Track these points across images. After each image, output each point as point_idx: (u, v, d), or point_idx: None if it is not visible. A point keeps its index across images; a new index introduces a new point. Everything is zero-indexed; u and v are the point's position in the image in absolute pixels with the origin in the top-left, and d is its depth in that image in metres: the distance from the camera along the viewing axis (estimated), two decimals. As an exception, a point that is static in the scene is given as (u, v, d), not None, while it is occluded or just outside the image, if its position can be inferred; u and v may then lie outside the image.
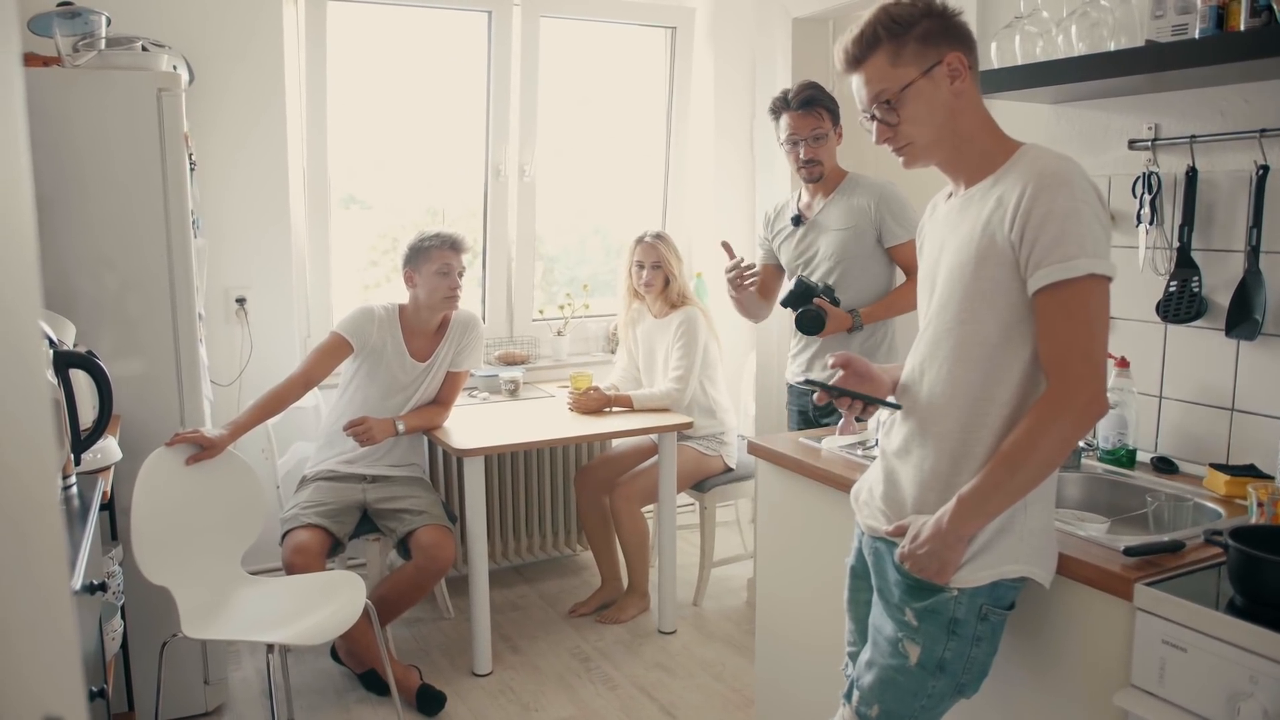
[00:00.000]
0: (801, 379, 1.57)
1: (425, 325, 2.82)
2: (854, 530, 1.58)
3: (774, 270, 2.63)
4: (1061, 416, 1.25)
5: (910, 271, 2.41)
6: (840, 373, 1.51)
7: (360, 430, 2.68)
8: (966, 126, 1.35)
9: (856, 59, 1.35)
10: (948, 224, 1.41)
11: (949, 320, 1.36)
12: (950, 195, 1.45)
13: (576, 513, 3.44)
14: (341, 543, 2.63)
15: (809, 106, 2.39)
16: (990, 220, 1.30)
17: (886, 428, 1.50)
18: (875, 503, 1.48)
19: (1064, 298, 1.24)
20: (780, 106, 2.44)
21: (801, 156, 2.42)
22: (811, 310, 2.29)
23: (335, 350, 2.74)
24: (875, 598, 1.47)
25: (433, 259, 2.74)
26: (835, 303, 2.34)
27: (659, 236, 3.13)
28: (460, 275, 2.80)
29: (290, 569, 2.46)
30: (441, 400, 2.87)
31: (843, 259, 2.41)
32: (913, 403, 1.43)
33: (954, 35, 1.33)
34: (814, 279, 2.41)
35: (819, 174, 2.44)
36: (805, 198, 2.53)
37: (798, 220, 2.51)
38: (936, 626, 1.35)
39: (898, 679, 1.39)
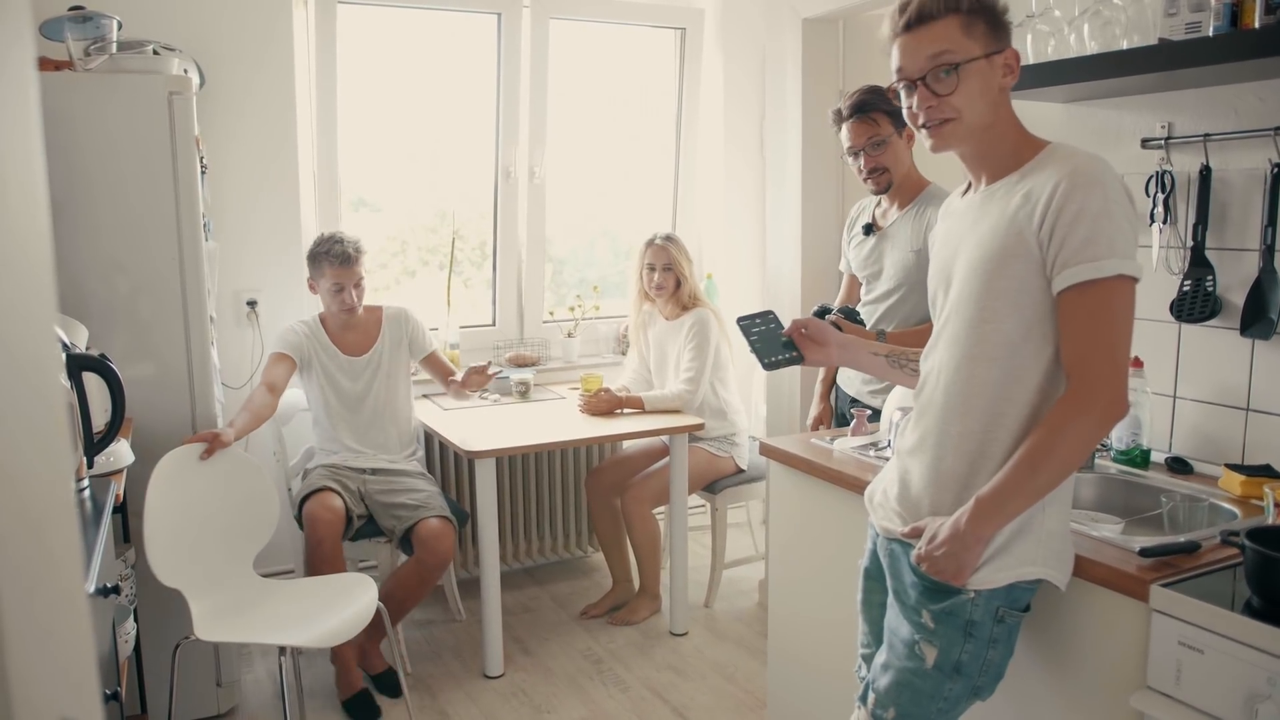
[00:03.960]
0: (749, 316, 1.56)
1: (351, 322, 2.83)
2: (867, 531, 1.58)
3: (859, 282, 2.50)
4: (1082, 417, 1.24)
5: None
6: (774, 323, 1.58)
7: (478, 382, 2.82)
8: (1001, 121, 1.34)
9: (928, 14, 1.30)
10: (966, 220, 1.40)
11: (968, 318, 1.35)
12: (965, 192, 1.44)
13: (588, 514, 3.44)
14: (353, 521, 2.64)
15: (862, 113, 2.25)
16: (1017, 216, 1.29)
17: (901, 428, 1.50)
18: (890, 504, 1.47)
19: (1090, 298, 1.23)
20: (837, 118, 2.32)
21: (864, 167, 2.29)
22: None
23: (280, 365, 2.75)
24: (890, 600, 1.46)
25: (325, 274, 2.74)
26: (859, 324, 2.22)
27: (669, 239, 3.12)
28: (357, 286, 2.75)
29: (314, 524, 2.51)
30: (448, 373, 2.95)
31: (904, 282, 2.27)
32: (928, 402, 1.42)
33: (1009, 34, 1.34)
34: (871, 296, 2.32)
35: (887, 183, 2.29)
36: (883, 204, 2.39)
37: (869, 229, 2.38)
38: (953, 628, 1.35)
39: (914, 681, 1.38)
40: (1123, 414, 1.26)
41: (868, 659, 1.58)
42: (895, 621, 1.43)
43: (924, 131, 1.35)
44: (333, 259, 2.71)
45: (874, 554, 1.54)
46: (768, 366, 1.58)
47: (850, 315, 2.21)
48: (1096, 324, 1.23)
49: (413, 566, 2.61)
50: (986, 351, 1.32)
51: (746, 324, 1.59)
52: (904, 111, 1.37)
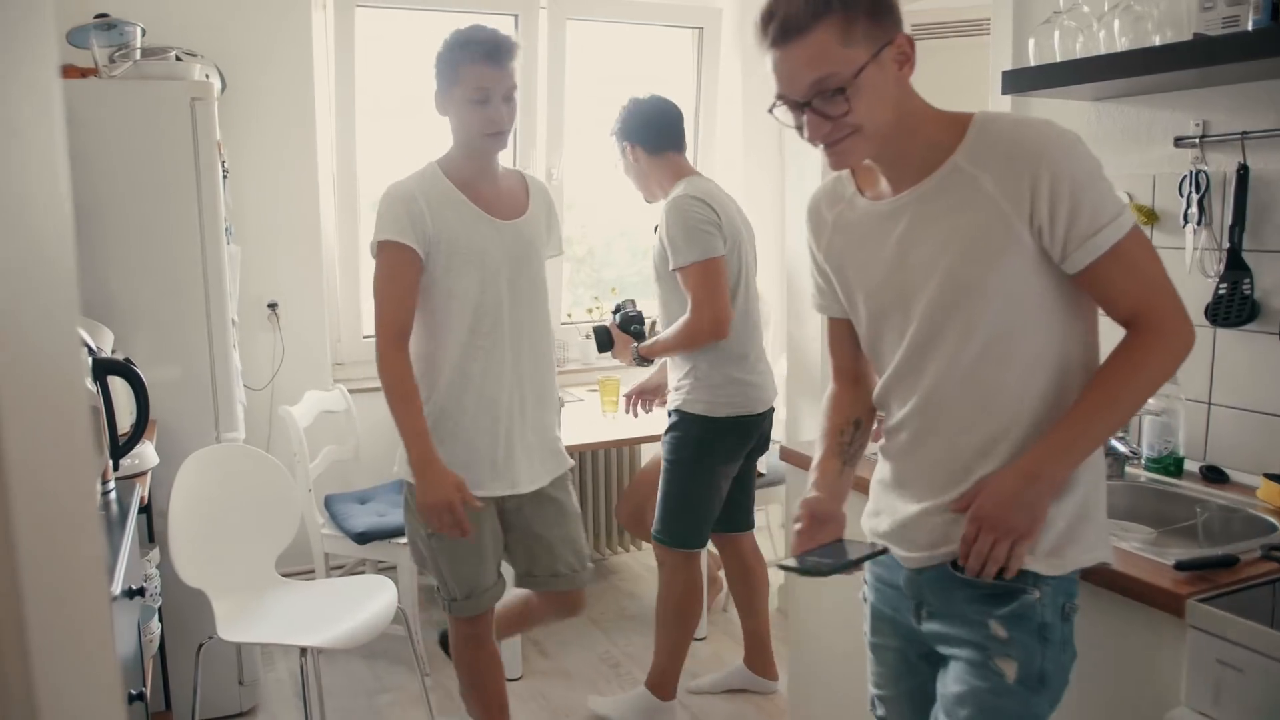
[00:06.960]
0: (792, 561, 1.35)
1: (487, 171, 1.97)
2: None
3: None
4: (1160, 345, 1.17)
5: (696, 300, 2.14)
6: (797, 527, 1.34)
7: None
8: (910, 119, 1.19)
9: (797, 28, 1.12)
10: (908, 225, 1.23)
11: (961, 327, 1.20)
12: (864, 195, 1.29)
13: (606, 518, 3.42)
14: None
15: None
16: (998, 208, 1.16)
17: (880, 468, 1.36)
18: (908, 534, 1.29)
19: (1123, 254, 1.16)
20: None
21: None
22: (602, 329, 2.43)
23: (410, 266, 1.86)
24: (942, 651, 1.27)
25: (462, 79, 1.85)
26: (638, 335, 2.42)
27: None
28: (508, 100, 1.86)
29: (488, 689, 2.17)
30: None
31: (656, 280, 2.34)
32: (931, 426, 1.26)
33: (897, 12, 1.16)
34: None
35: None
36: None
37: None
38: (1027, 634, 1.20)
39: (999, 704, 1.19)
40: (1193, 342, 1.19)
41: (882, 700, 1.41)
42: (955, 651, 1.25)
43: (824, 150, 1.18)
44: (475, 51, 1.82)
45: (879, 590, 1.38)
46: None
47: (628, 322, 2.39)
48: (1140, 272, 1.18)
49: (540, 612, 2.22)
50: (994, 353, 1.20)
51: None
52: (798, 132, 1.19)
